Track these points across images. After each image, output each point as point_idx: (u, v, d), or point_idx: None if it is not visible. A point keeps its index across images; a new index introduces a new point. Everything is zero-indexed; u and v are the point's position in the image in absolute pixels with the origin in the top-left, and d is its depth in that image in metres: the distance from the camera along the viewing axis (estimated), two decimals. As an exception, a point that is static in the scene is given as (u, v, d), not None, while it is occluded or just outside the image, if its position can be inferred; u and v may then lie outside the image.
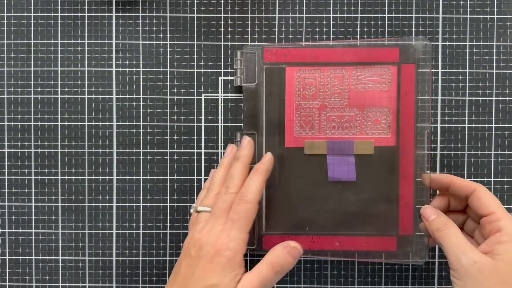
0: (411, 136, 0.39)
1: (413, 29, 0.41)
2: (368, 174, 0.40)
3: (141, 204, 0.41)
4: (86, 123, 0.41)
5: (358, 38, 0.41)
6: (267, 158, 0.38)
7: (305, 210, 0.40)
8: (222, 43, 0.41)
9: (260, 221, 0.41)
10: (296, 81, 0.40)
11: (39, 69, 0.42)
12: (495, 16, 0.41)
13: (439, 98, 0.41)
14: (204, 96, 0.41)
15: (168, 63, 0.41)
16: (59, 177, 0.42)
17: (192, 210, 0.36)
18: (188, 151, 0.41)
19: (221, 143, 0.41)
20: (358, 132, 0.40)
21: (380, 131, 0.40)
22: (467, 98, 0.41)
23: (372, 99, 0.40)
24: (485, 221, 0.34)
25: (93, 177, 0.41)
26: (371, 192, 0.40)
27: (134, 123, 0.41)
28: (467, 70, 0.41)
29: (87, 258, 0.42)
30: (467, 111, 0.41)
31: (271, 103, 0.40)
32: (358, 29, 0.41)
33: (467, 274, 0.32)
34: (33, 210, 0.42)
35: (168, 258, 0.42)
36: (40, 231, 0.42)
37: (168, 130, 0.41)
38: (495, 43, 0.41)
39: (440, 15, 0.41)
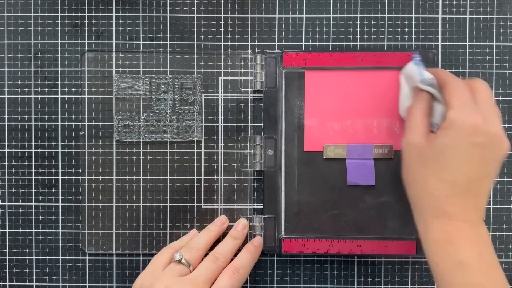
0: None
1: (413, 29, 0.41)
2: (388, 178, 0.40)
3: (141, 204, 0.41)
4: (86, 123, 0.41)
5: (359, 40, 0.41)
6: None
7: (324, 214, 0.41)
8: (222, 43, 0.41)
9: (279, 225, 0.41)
10: (315, 85, 0.40)
11: (39, 69, 0.42)
12: (495, 16, 0.41)
13: (439, 98, 0.41)
14: (204, 96, 0.41)
15: (168, 63, 0.41)
16: (59, 177, 0.42)
17: (178, 257, 0.36)
18: (188, 151, 0.41)
19: (221, 143, 0.41)
20: (378, 136, 0.40)
21: (400, 135, 0.40)
22: (467, 98, 0.41)
23: (391, 103, 0.40)
24: None
25: (93, 177, 0.41)
26: (390, 196, 0.40)
27: (135, 123, 0.41)
28: (467, 70, 0.41)
29: (87, 258, 0.42)
30: (467, 111, 0.41)
31: (291, 107, 0.41)
32: (358, 29, 0.41)
33: (403, 151, 0.36)
34: (33, 210, 0.42)
35: (168, 258, 0.42)
36: (40, 231, 0.42)
37: (168, 130, 0.41)
38: (495, 43, 0.41)
39: (440, 15, 0.41)
